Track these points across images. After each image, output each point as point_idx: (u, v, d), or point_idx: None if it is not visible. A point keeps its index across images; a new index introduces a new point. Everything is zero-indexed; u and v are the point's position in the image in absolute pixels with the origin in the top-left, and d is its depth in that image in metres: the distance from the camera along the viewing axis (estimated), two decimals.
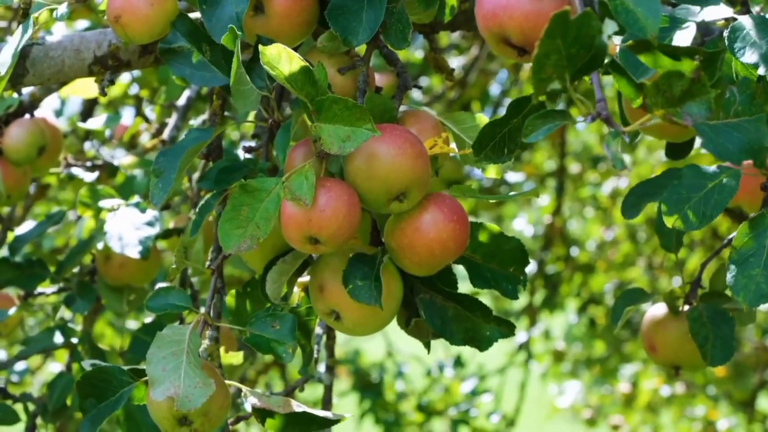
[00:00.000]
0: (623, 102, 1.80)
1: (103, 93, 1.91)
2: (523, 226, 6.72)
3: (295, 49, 1.73)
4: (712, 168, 1.56)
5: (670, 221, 1.54)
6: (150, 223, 2.31)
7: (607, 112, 1.35)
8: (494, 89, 5.31)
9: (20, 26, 1.79)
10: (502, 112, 1.55)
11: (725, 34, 1.56)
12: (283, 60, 1.54)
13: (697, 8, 1.57)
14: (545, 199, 6.17)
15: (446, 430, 6.02)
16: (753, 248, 1.55)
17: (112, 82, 1.90)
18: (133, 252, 2.27)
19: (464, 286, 1.71)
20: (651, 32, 1.35)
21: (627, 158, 6.06)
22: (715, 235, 5.10)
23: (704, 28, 1.67)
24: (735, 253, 1.55)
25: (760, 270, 1.53)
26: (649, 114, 1.38)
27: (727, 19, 1.60)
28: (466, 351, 1.81)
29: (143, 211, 2.34)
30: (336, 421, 1.61)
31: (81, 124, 2.85)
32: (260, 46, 1.53)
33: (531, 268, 5.98)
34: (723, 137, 1.40)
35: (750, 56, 1.52)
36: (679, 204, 1.54)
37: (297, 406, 1.60)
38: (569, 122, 1.39)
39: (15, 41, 1.77)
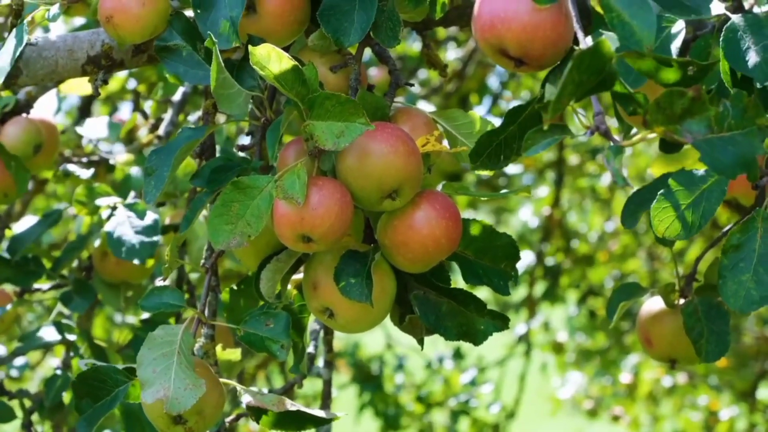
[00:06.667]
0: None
1: (96, 93, 1.91)
2: (528, 216, 6.71)
3: (287, 48, 1.73)
4: (700, 172, 1.54)
5: (660, 231, 1.54)
6: (151, 228, 2.31)
7: (606, 126, 1.35)
8: (492, 81, 5.30)
9: (14, 29, 1.78)
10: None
11: (719, 31, 1.55)
12: (272, 60, 1.54)
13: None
14: (544, 191, 6.17)
15: (446, 422, 6.03)
16: (743, 253, 1.53)
17: (105, 82, 1.90)
18: (135, 258, 2.27)
19: (456, 281, 1.71)
20: (647, 45, 1.35)
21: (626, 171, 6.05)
22: (715, 225, 5.09)
23: (696, 22, 1.67)
24: (725, 258, 1.54)
25: (750, 275, 1.51)
26: (648, 130, 1.38)
27: (719, 15, 1.59)
28: (465, 343, 1.81)
29: (143, 214, 2.33)
30: (329, 420, 1.62)
31: (79, 130, 2.83)
32: (250, 47, 1.53)
33: (531, 259, 5.99)
34: (718, 151, 1.39)
35: (746, 65, 1.51)
36: (668, 214, 1.54)
37: (291, 405, 1.61)
38: (568, 136, 1.39)
39: (11, 46, 1.77)
